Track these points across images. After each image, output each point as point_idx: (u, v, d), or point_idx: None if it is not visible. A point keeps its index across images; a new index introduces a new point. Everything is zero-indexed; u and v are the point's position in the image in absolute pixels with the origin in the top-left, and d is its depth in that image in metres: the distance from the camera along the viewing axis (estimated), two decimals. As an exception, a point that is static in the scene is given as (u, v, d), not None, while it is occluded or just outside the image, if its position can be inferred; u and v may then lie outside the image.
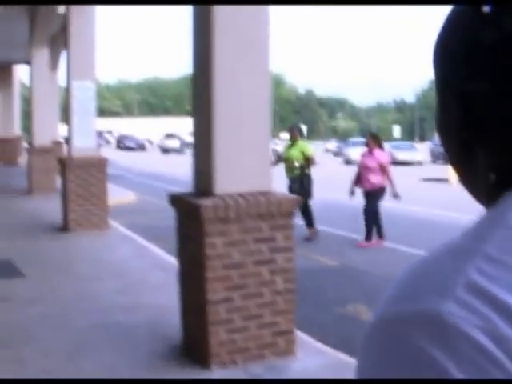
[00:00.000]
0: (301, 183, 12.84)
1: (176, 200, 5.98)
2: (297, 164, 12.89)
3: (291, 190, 12.56)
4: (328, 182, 29.68)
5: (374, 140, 12.88)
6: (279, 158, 14.30)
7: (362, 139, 58.06)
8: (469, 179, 0.81)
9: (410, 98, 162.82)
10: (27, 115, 55.73)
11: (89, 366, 5.95)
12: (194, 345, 5.90)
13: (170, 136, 75.10)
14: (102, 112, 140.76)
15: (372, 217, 12.53)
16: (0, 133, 39.66)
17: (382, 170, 12.48)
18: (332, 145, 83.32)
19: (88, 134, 13.05)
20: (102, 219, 13.09)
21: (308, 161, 13.11)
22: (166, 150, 69.08)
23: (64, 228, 13.03)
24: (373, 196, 12.55)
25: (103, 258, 10.57)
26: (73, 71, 12.95)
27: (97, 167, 12.99)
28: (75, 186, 12.84)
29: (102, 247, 11.66)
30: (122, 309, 7.69)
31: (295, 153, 13.06)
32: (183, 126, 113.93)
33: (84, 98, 12.99)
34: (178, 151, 67.89)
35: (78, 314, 7.53)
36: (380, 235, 12.65)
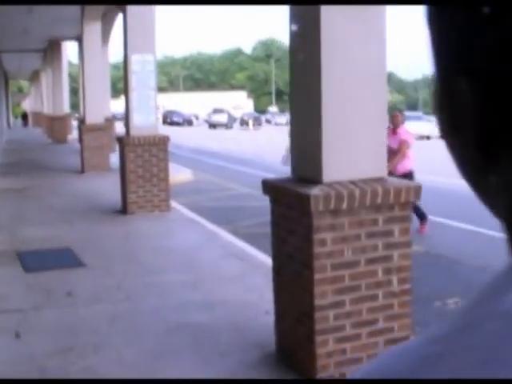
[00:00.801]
0: None
1: (273, 188, 5.14)
2: None
3: None
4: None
5: (398, 117, 11.24)
6: None
7: (418, 113, 57.47)
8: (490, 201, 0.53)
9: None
10: (74, 92, 55.55)
11: (171, 377, 5.18)
12: (295, 355, 5.09)
13: (217, 111, 74.28)
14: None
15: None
16: (50, 110, 39.37)
17: (400, 147, 10.74)
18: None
19: (148, 110, 12.29)
20: (164, 201, 12.34)
21: None
22: (213, 125, 68.25)
23: (123, 210, 12.31)
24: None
25: (168, 245, 9.81)
26: (131, 44, 12.17)
27: (158, 146, 12.21)
28: (135, 166, 12.10)
29: (165, 232, 10.91)
30: (197, 306, 6.91)
31: None
32: (228, 101, 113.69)
33: (143, 72, 12.21)
34: (226, 126, 67.16)
35: (148, 312, 6.77)
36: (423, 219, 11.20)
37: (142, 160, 12.11)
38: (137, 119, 12.18)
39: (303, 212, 4.58)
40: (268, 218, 5.41)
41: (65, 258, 8.99)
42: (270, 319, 5.56)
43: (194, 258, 8.99)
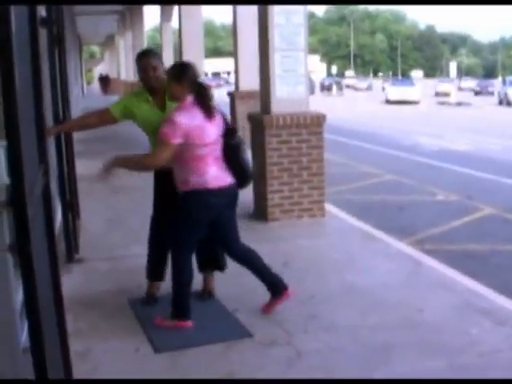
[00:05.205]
0: None
1: None
2: None
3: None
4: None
5: None
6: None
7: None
8: None
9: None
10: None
11: None
12: None
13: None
14: (218, 52, 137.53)
15: None
16: (129, 76, 36.50)
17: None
18: (469, 83, 77.60)
19: (296, 79, 8.88)
20: (317, 202, 8.97)
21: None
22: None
23: (261, 216, 8.98)
24: None
25: (356, 283, 6.43)
26: (272, -13, 8.76)
27: (309, 128, 8.82)
28: (278, 156, 8.75)
29: (336, 255, 7.49)
30: None
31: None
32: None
33: (289, 26, 8.79)
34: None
35: None
36: None
37: (288, 147, 8.73)
38: (281, 91, 8.80)
39: None
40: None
41: (215, 316, 5.69)
42: None
43: (416, 315, 5.61)
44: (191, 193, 5.12)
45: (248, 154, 5.58)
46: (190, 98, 5.03)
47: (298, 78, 8.82)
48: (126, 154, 5.62)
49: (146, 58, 5.69)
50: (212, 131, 5.05)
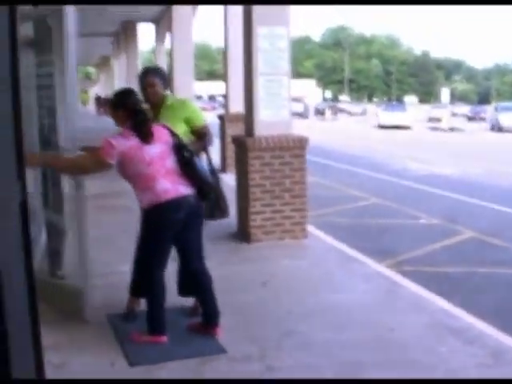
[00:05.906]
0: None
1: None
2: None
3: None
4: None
5: None
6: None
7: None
8: None
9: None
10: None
11: None
12: None
13: (294, 99, 70.96)
14: (214, 75, 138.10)
15: None
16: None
17: None
18: (462, 109, 78.03)
19: (279, 102, 9.07)
20: (299, 224, 9.13)
21: (202, 139, 6.08)
22: (290, 114, 64.96)
23: (244, 237, 9.13)
24: None
25: (334, 304, 6.59)
26: (257, 13, 8.97)
27: (292, 150, 8.99)
28: (261, 177, 8.91)
29: (315, 277, 7.63)
30: None
31: (175, 121, 5.90)
32: (296, 89, 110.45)
33: (273, 50, 9.00)
34: (302, 115, 63.68)
35: None
36: None
37: (271, 169, 8.91)
38: (264, 114, 8.98)
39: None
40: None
41: (191, 331, 5.82)
42: None
43: (388, 334, 5.75)
44: (146, 210, 5.36)
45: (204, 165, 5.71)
46: (128, 124, 5.27)
47: (282, 101, 9.01)
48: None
49: (145, 76, 6.08)
50: (152, 151, 5.25)
